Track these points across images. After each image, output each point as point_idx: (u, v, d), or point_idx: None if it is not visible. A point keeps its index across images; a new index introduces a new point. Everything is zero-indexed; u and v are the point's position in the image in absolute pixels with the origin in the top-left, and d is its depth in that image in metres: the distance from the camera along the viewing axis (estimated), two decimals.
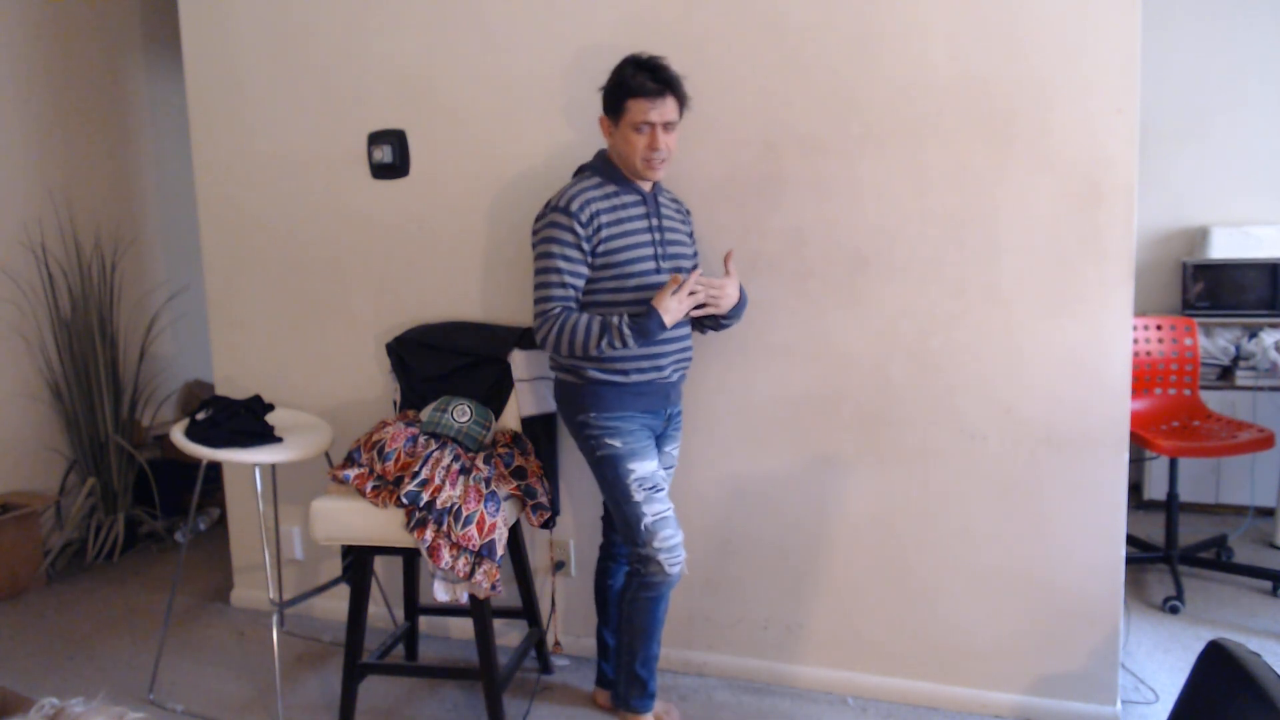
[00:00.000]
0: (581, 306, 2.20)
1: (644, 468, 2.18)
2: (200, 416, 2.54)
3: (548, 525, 2.52)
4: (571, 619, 2.81)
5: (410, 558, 2.65)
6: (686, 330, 2.29)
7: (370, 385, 2.95)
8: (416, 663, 2.78)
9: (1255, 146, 4.05)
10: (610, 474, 2.19)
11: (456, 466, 2.29)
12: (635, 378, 2.19)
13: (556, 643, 2.79)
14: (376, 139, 2.82)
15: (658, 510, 2.16)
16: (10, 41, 3.66)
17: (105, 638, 3.04)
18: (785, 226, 2.44)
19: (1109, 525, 2.27)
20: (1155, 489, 3.92)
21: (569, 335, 2.12)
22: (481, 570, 2.20)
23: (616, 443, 2.18)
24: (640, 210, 2.21)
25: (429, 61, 2.74)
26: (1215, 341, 3.90)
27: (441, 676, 2.71)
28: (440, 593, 2.23)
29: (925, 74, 2.28)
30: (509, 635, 2.86)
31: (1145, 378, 3.45)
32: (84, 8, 3.97)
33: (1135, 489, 4.01)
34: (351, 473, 2.33)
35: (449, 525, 2.18)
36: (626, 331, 2.09)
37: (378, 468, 2.31)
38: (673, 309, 2.11)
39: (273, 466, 3.00)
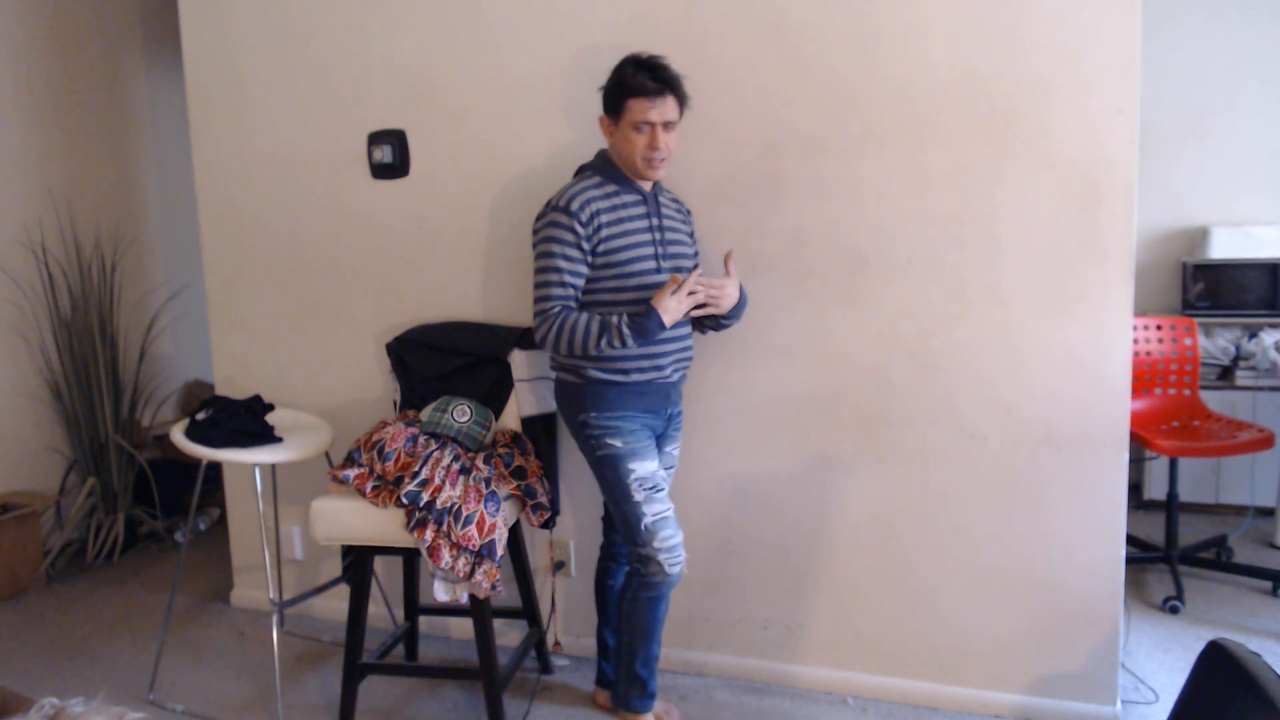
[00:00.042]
0: (582, 306, 2.21)
1: (644, 467, 2.18)
2: (200, 416, 2.54)
3: (548, 525, 2.52)
4: (571, 619, 2.81)
5: (410, 558, 2.65)
6: (687, 330, 2.29)
7: (370, 385, 2.95)
8: (416, 663, 2.78)
9: (1255, 146, 4.05)
10: (610, 474, 2.19)
11: (456, 466, 2.29)
12: (636, 377, 2.19)
13: (556, 643, 2.79)
14: (376, 139, 2.82)
15: (658, 510, 2.16)
16: (10, 41, 3.67)
17: (105, 638, 3.04)
18: (785, 226, 2.44)
19: (1109, 525, 2.27)
20: (1155, 489, 3.92)
21: (568, 334, 2.12)
22: (481, 570, 2.20)
23: (617, 442, 2.18)
24: (641, 210, 2.21)
25: (429, 61, 2.74)
26: (1215, 341, 3.90)
27: (441, 676, 2.71)
28: (440, 593, 2.23)
29: (925, 74, 2.28)
30: (509, 635, 2.86)
31: (1145, 378, 3.45)
32: (84, 8, 3.97)
33: (1135, 489, 4.00)
34: (351, 473, 2.33)
35: (449, 525, 2.18)
36: (626, 331, 2.09)
37: (378, 468, 2.31)
38: (672, 308, 2.11)
39: (273, 466, 3.00)
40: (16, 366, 3.70)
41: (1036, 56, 2.20)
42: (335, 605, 3.08)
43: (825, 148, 2.38)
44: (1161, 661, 2.66)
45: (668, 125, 2.14)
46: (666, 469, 2.36)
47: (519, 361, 2.53)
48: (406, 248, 2.85)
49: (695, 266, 2.31)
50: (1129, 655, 2.68)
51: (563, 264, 2.14)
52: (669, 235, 2.25)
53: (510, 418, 2.54)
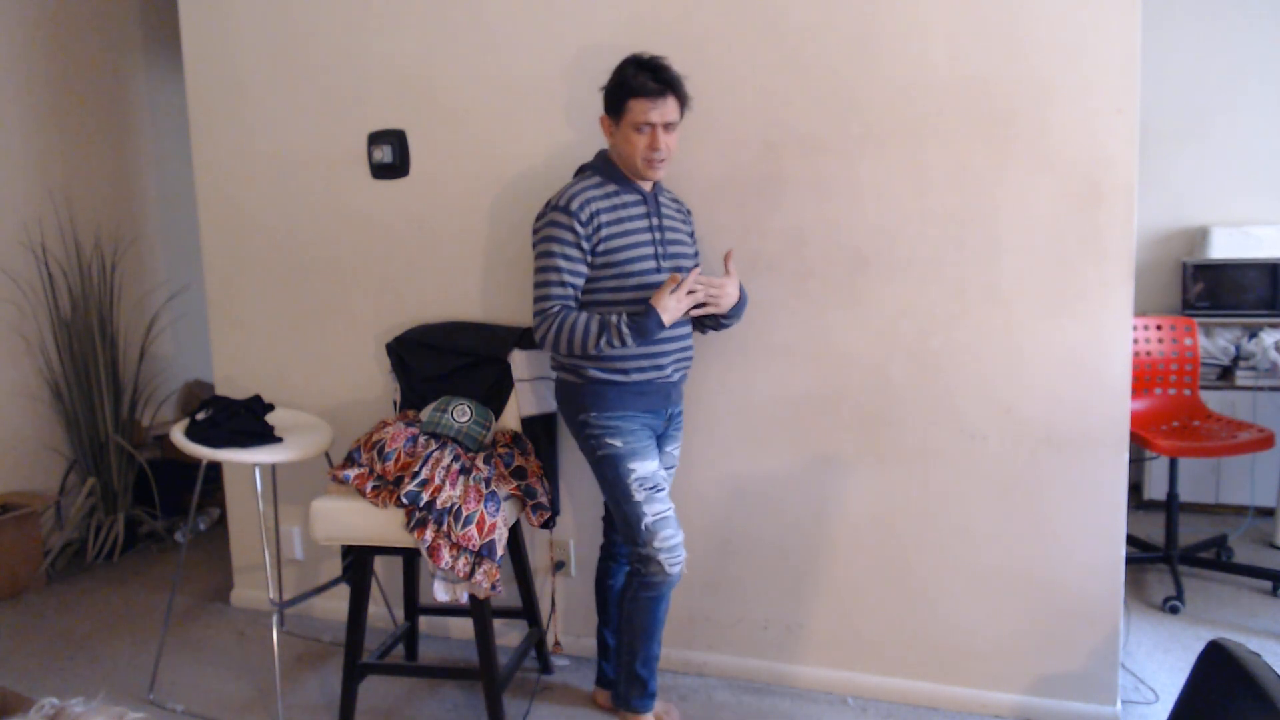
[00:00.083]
0: (582, 306, 2.21)
1: (644, 467, 2.18)
2: (200, 416, 2.54)
3: (548, 525, 2.52)
4: (571, 619, 2.81)
5: (410, 558, 2.65)
6: (687, 330, 2.29)
7: (370, 385, 2.95)
8: (416, 663, 2.78)
9: (1255, 146, 4.05)
10: (611, 473, 2.19)
11: (456, 466, 2.29)
12: (636, 377, 2.19)
13: (556, 643, 2.79)
14: (376, 139, 2.82)
15: (658, 510, 2.16)
16: (10, 41, 3.67)
17: (105, 638, 3.04)
18: (785, 226, 2.44)
19: (1109, 525, 2.27)
20: (1155, 489, 3.92)
21: (568, 334, 2.12)
22: (481, 570, 2.20)
23: (617, 442, 2.18)
24: (641, 210, 2.22)
25: (429, 61, 2.74)
26: (1215, 341, 3.90)
27: (441, 676, 2.71)
28: (440, 593, 2.23)
29: (925, 74, 2.28)
30: (509, 635, 2.86)
31: (1145, 378, 3.45)
32: (84, 8, 3.97)
33: (1135, 489, 4.01)
34: (351, 473, 2.33)
35: (449, 525, 2.18)
36: (625, 330, 2.09)
37: (378, 468, 2.31)
38: (671, 308, 2.11)
39: (273, 466, 3.00)
40: (16, 366, 3.70)
41: (1036, 56, 2.20)
42: (335, 605, 3.08)
43: (825, 148, 2.38)
44: (1161, 661, 2.66)
45: (668, 126, 2.14)
46: (667, 469, 2.36)
47: (519, 361, 2.53)
48: (406, 248, 2.85)
49: (695, 266, 2.31)
50: (1129, 655, 2.68)
51: (562, 264, 2.14)
52: (669, 235, 2.25)
53: (510, 418, 2.54)
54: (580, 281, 2.18)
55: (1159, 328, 3.49)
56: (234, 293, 3.11)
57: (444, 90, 2.74)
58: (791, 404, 2.49)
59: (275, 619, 2.62)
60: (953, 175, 2.29)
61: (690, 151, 2.44)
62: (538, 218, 2.21)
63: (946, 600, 2.42)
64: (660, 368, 2.21)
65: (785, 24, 2.38)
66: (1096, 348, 2.23)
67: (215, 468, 3.28)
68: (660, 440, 2.31)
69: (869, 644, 2.51)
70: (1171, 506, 3.21)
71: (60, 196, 3.84)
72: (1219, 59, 4.04)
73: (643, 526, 2.15)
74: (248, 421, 2.55)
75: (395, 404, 2.74)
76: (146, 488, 3.93)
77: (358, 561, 2.38)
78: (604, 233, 2.16)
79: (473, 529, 2.18)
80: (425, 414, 2.48)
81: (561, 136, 2.61)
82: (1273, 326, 3.80)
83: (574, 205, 2.14)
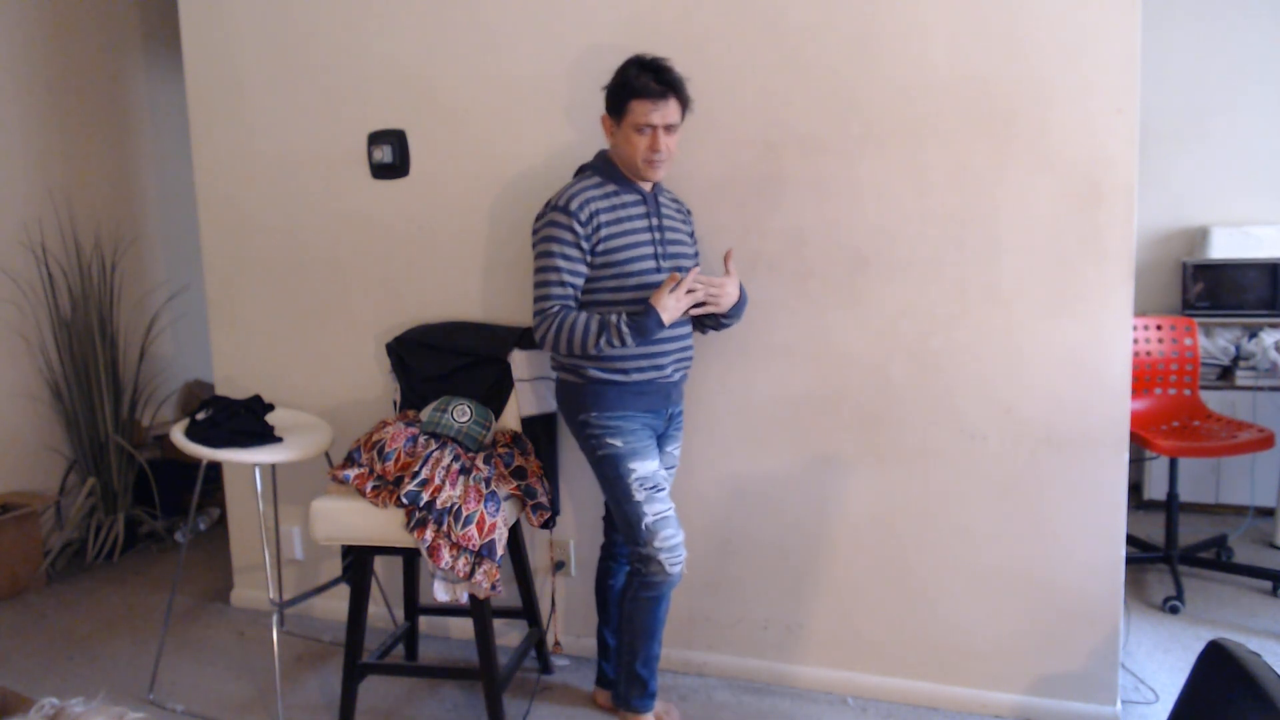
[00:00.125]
0: (581, 306, 2.21)
1: (645, 467, 2.18)
2: (200, 416, 2.54)
3: (548, 525, 2.52)
4: (571, 619, 2.81)
5: (410, 558, 2.65)
6: (687, 330, 2.29)
7: (370, 385, 2.95)
8: (416, 663, 2.78)
9: (1255, 146, 4.05)
10: (611, 473, 2.19)
11: (456, 466, 2.29)
12: (636, 377, 2.19)
13: (556, 643, 2.79)
14: (376, 139, 2.82)
15: (658, 510, 2.16)
16: (10, 41, 3.67)
17: (105, 638, 3.04)
18: (785, 226, 2.44)
19: (1109, 525, 2.27)
20: (1155, 489, 3.92)
21: (567, 333, 2.12)
22: (481, 570, 2.20)
23: (617, 442, 2.18)
24: (640, 210, 2.22)
25: (429, 61, 2.74)
26: (1215, 341, 3.90)
27: (441, 676, 2.71)
28: (440, 593, 2.23)
29: (925, 74, 2.28)
30: (509, 635, 2.86)
31: (1145, 378, 3.45)
32: (84, 8, 3.97)
33: (1135, 489, 4.01)
34: (351, 473, 2.33)
35: (449, 525, 2.18)
36: (625, 330, 2.09)
37: (378, 468, 2.31)
38: (670, 307, 2.11)
39: (273, 466, 3.00)
40: (16, 366, 3.70)
41: (1036, 57, 2.20)
42: (335, 605, 3.08)
43: (825, 148, 2.38)
44: (1161, 661, 2.66)
45: (669, 128, 2.14)
46: (667, 469, 2.36)
47: (519, 361, 2.53)
48: (406, 248, 2.85)
49: (695, 266, 2.31)
50: (1129, 655, 2.68)
51: (562, 264, 2.14)
52: (669, 235, 2.25)
53: (510, 418, 2.54)
54: (580, 281, 2.18)
55: (1159, 328, 3.49)
56: (234, 293, 3.11)
57: (444, 90, 2.74)
58: (791, 404, 2.49)
59: (275, 619, 2.62)
60: (953, 175, 2.29)
61: (690, 151, 2.44)
62: (537, 218, 2.21)
63: (946, 600, 2.42)
64: (660, 368, 2.21)
65: (785, 24, 2.38)
66: (1096, 348, 2.23)
67: (215, 468, 3.28)
68: (661, 440, 2.31)
69: (869, 644, 2.51)
70: (1171, 506, 3.21)
71: (60, 196, 3.84)
72: (1219, 59, 4.04)
73: (643, 526, 2.15)
74: (248, 421, 2.55)
75: (395, 404, 2.74)
76: (146, 488, 3.93)
77: (358, 561, 2.38)
78: (603, 233, 2.16)
79: (473, 529, 2.19)
80: (425, 414, 2.48)
81: (561, 136, 2.61)
82: (1273, 326, 3.80)
83: (573, 205, 2.14)
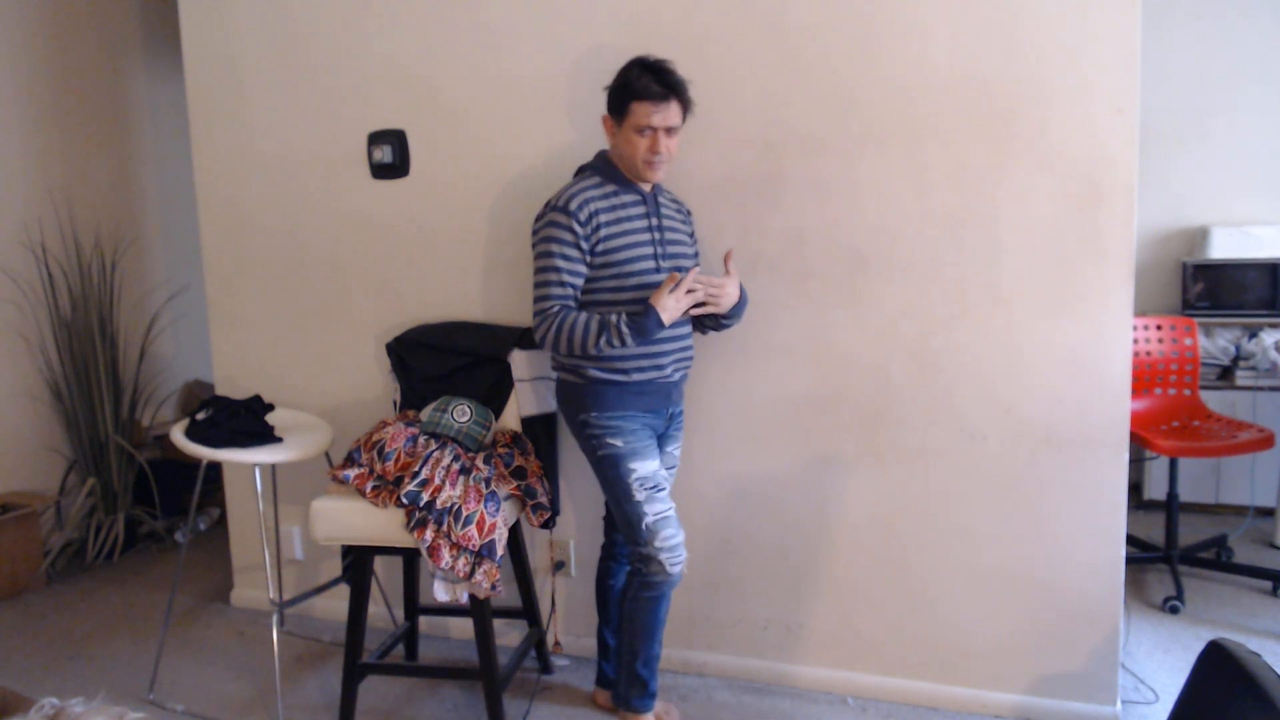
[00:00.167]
0: (581, 306, 2.21)
1: (645, 467, 2.18)
2: (200, 416, 2.54)
3: (548, 525, 2.52)
4: (571, 619, 2.81)
5: (410, 558, 2.65)
6: (688, 330, 2.29)
7: (370, 385, 2.95)
8: (416, 663, 2.78)
9: (1255, 146, 4.05)
10: (611, 473, 2.19)
11: (456, 466, 2.29)
12: (636, 377, 2.19)
13: (556, 643, 2.79)
14: (376, 139, 2.82)
15: (659, 510, 2.16)
16: (10, 41, 3.66)
17: (105, 638, 3.04)
18: (785, 226, 2.44)
19: (1109, 525, 2.27)
20: (1155, 489, 3.92)
21: (567, 334, 2.12)
22: (481, 570, 2.20)
23: (618, 442, 2.18)
24: (640, 210, 2.22)
25: (429, 61, 2.74)
26: (1215, 341, 3.90)
27: (441, 676, 2.71)
28: (440, 593, 2.23)
29: (925, 74, 2.28)
30: (509, 635, 2.86)
31: (1145, 378, 3.45)
32: (84, 8, 3.97)
33: (1135, 489, 4.01)
34: (351, 473, 2.33)
35: (449, 525, 2.18)
36: (625, 330, 2.09)
37: (378, 468, 2.31)
38: (670, 307, 2.11)
39: (273, 466, 3.00)
40: (16, 366, 3.70)
41: (1036, 57, 2.20)
42: (335, 605, 3.08)
43: (825, 148, 2.38)
44: (1161, 661, 2.66)
45: (670, 130, 2.14)
46: (668, 469, 2.36)
47: (519, 361, 2.53)
48: (406, 248, 2.85)
49: (695, 266, 2.31)
50: (1129, 655, 2.68)
51: (561, 264, 2.14)
52: (668, 235, 2.25)
53: (510, 418, 2.54)
54: (580, 281, 2.18)
55: (1159, 328, 3.49)
56: (234, 293, 3.12)
57: (444, 90, 2.74)
58: (791, 404, 2.49)
59: (275, 619, 2.62)
60: (953, 175, 2.29)
61: (690, 151, 2.44)
62: (537, 218, 2.21)
63: (946, 600, 2.42)
64: (660, 368, 2.21)
65: (785, 24, 2.38)
66: (1096, 348, 2.23)
67: (215, 468, 3.28)
68: (661, 440, 2.31)
69: (869, 644, 2.51)
70: (1171, 506, 3.21)
71: (60, 196, 3.84)
72: (1219, 59, 4.04)
73: (643, 526, 2.15)
74: (248, 421, 2.55)
75: (395, 404, 2.74)
76: (146, 488, 3.93)
77: (358, 561, 2.38)
78: (603, 233, 2.16)
79: (473, 529, 2.19)
80: (425, 414, 2.48)
81: (562, 136, 2.61)
82: (1273, 326, 3.80)
83: (573, 205, 2.14)
